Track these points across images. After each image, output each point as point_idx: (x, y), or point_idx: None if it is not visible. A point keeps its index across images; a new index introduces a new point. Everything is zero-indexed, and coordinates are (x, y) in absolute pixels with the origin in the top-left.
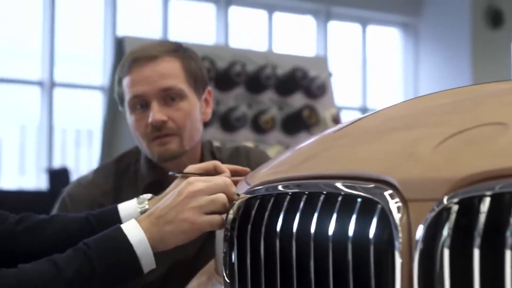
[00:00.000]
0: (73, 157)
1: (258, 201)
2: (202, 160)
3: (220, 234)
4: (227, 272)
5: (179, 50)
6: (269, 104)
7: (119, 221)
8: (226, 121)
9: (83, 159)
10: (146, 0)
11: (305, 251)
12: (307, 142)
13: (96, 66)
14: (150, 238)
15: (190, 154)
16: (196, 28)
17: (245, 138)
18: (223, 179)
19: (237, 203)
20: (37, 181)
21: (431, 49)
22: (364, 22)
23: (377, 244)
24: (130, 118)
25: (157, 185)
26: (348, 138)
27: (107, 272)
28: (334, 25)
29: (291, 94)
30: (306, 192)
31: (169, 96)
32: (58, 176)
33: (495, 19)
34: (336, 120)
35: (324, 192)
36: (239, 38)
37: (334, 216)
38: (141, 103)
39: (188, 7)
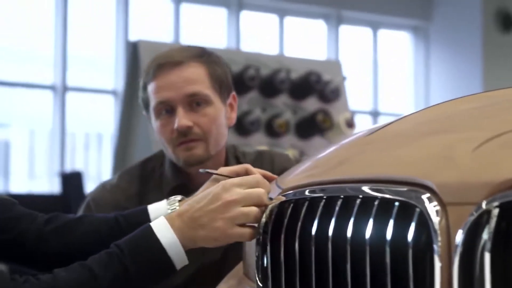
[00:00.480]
0: (84, 161)
1: (291, 205)
2: (226, 164)
3: None
4: (260, 276)
5: (203, 55)
6: (283, 108)
7: (148, 222)
8: (240, 125)
9: (94, 163)
10: (158, 4)
11: (341, 255)
12: (336, 146)
13: (108, 70)
14: (181, 238)
15: (215, 159)
16: (208, 32)
17: (259, 142)
18: (257, 192)
19: (270, 207)
20: (50, 185)
21: (442, 53)
22: (375, 26)
23: (414, 248)
24: (155, 123)
25: (182, 189)
26: (380, 142)
27: (141, 276)
28: (345, 29)
29: (305, 98)
30: (342, 196)
31: (195, 102)
32: (71, 180)
33: (505, 22)
34: (350, 124)
35: (360, 196)
36: (250, 42)
37: (371, 220)
38: (167, 109)
39: (200, 11)
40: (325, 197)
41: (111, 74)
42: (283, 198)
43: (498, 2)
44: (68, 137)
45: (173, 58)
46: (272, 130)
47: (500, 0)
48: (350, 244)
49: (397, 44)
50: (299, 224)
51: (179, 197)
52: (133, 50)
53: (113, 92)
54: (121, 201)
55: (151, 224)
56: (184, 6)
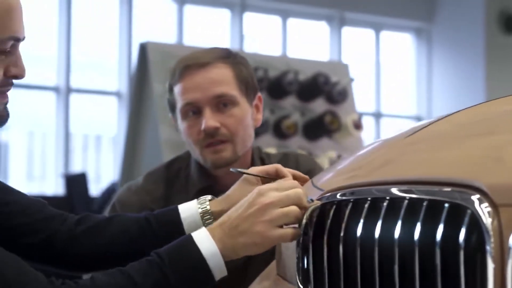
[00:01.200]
0: (87, 163)
1: (334, 206)
2: (252, 165)
3: None
4: (300, 278)
5: (229, 57)
6: (291, 110)
7: (179, 222)
8: None
9: (96, 165)
10: (161, 6)
11: (388, 258)
12: (374, 146)
13: (111, 72)
14: (222, 248)
15: (241, 160)
16: (211, 34)
17: (267, 144)
18: (294, 192)
19: (311, 208)
20: (54, 187)
21: (444, 54)
22: (377, 28)
23: (465, 249)
24: (182, 125)
25: (208, 191)
26: (424, 144)
27: (181, 285)
28: (347, 31)
29: (313, 99)
30: (387, 198)
31: (221, 103)
32: (76, 182)
33: (508, 24)
34: (357, 125)
35: (407, 198)
36: (254, 43)
37: (419, 222)
38: (193, 110)
39: (203, 13)
40: (369, 198)
41: (114, 75)
42: (327, 199)
43: (500, 3)
44: (72, 139)
45: (199, 59)
46: (280, 132)
47: (503, 2)
48: (398, 246)
49: (400, 45)
50: (343, 226)
51: (209, 197)
52: (142, 52)
53: (117, 94)
54: (147, 203)
55: (192, 234)
56: (187, 8)
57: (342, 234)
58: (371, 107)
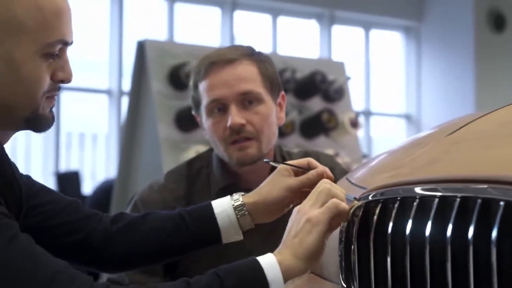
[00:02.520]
0: (79, 161)
1: (380, 204)
2: None
3: None
4: (343, 276)
5: (254, 54)
6: (289, 108)
7: (213, 217)
8: None
9: (89, 163)
10: (152, 4)
11: (439, 256)
12: (406, 145)
13: (102, 70)
14: (282, 259)
15: (265, 158)
16: (202, 32)
17: None
18: (326, 186)
19: (355, 206)
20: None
21: (434, 53)
22: (367, 26)
23: None
24: (207, 122)
25: (231, 189)
26: (467, 142)
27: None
28: (337, 29)
29: (310, 97)
30: (438, 196)
31: (247, 100)
32: (68, 180)
33: (497, 22)
34: (354, 123)
35: (458, 196)
36: (244, 41)
37: (473, 221)
38: (219, 107)
39: (194, 11)
40: (418, 197)
41: (105, 73)
42: (372, 197)
43: (490, 2)
44: (62, 136)
45: (225, 56)
46: (278, 130)
47: (492, 1)
48: (450, 244)
49: (389, 44)
50: (391, 224)
51: (241, 193)
52: (139, 50)
53: (108, 92)
54: (170, 202)
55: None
56: (178, 6)
57: (389, 232)
58: (360, 106)
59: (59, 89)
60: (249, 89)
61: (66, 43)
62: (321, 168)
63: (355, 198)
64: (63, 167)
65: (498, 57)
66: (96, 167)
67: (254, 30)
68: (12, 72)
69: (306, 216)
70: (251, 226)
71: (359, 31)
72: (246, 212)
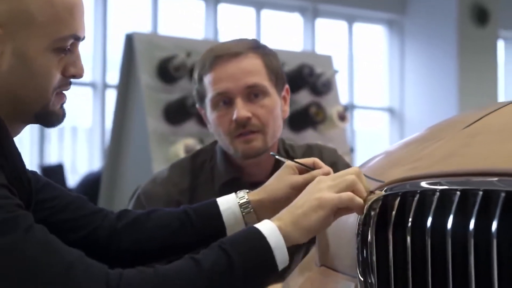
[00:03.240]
0: (63, 154)
1: (399, 198)
2: None
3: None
4: (361, 269)
5: (259, 47)
6: None
7: (219, 214)
8: None
9: (73, 156)
10: None
11: (461, 249)
12: (419, 138)
13: (86, 63)
14: (281, 225)
15: (269, 151)
16: (186, 24)
17: None
18: (352, 168)
19: (373, 199)
20: None
21: (417, 46)
22: (350, 20)
23: None
24: (212, 115)
25: (235, 183)
26: (486, 136)
27: (244, 263)
28: (321, 23)
29: (298, 91)
30: (459, 189)
31: (253, 93)
32: (53, 173)
33: (480, 16)
34: (342, 117)
35: (481, 190)
36: (228, 34)
37: (497, 214)
38: (225, 100)
39: (178, 4)
40: (438, 190)
41: (89, 66)
42: (391, 190)
43: None
44: (46, 129)
45: (230, 49)
46: None
47: None
48: (474, 238)
49: (373, 37)
50: (411, 216)
51: (246, 190)
52: (128, 43)
53: (92, 85)
54: (174, 195)
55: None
56: None
57: (410, 225)
58: (344, 99)
59: (69, 84)
60: (255, 83)
61: (78, 38)
62: (326, 169)
63: (371, 192)
64: (49, 160)
65: (481, 51)
66: (80, 160)
67: (237, 23)
68: (24, 67)
69: (319, 194)
70: (256, 223)
71: (342, 24)
72: (252, 210)
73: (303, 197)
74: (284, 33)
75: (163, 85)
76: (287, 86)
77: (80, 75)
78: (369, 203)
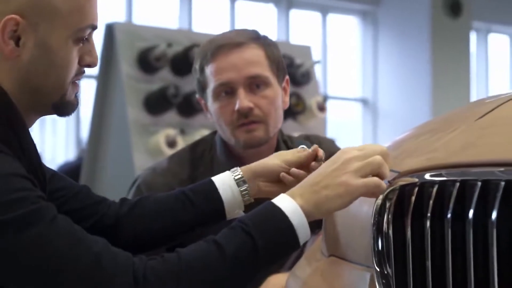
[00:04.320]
0: (40, 143)
1: (417, 188)
2: (277, 148)
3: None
4: (376, 259)
5: (260, 38)
6: None
7: (215, 189)
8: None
9: (50, 145)
10: None
11: (481, 239)
12: (429, 128)
13: None
14: (303, 204)
15: (269, 142)
16: (160, 14)
17: None
18: (380, 147)
19: (389, 189)
20: None
21: (390, 37)
22: (324, 11)
23: None
24: (213, 105)
25: None
26: (500, 128)
27: (268, 245)
28: (295, 13)
29: None
30: (480, 180)
31: (255, 84)
32: None
33: (454, 7)
34: (321, 107)
35: (503, 180)
36: (202, 25)
37: None
38: (227, 90)
39: None
40: (459, 180)
41: None
42: (410, 180)
43: None
44: None
45: (232, 39)
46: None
47: None
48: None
49: (346, 28)
50: (430, 206)
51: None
52: (108, 33)
53: None
54: (174, 185)
55: (272, 200)
56: None
57: (429, 214)
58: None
59: (83, 73)
60: (257, 73)
61: (95, 28)
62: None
63: (389, 182)
64: None
65: (455, 42)
66: (57, 152)
67: (212, 14)
68: (45, 57)
69: (345, 178)
70: (251, 200)
71: (316, 15)
72: (244, 179)
73: (328, 173)
74: (258, 24)
75: (144, 75)
76: (287, 77)
77: (95, 64)
78: (385, 193)
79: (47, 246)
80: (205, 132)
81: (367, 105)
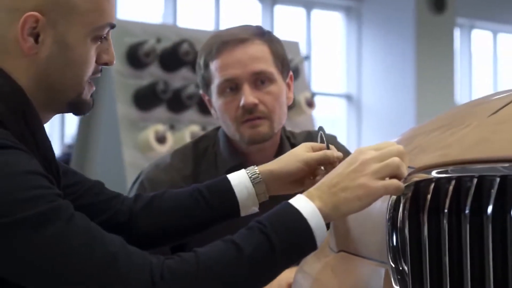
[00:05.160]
0: None
1: (433, 183)
2: (280, 144)
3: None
4: (391, 255)
5: (264, 34)
6: None
7: (231, 190)
8: (178, 100)
9: None
10: None
11: (499, 235)
12: (440, 124)
13: None
14: (322, 206)
15: (273, 138)
16: (144, 8)
17: (191, 119)
18: (397, 147)
19: (404, 185)
20: None
21: (374, 33)
22: (308, 6)
23: None
24: (218, 101)
25: (239, 169)
26: None
27: (285, 247)
28: (279, 9)
29: None
30: (499, 175)
31: (260, 80)
32: None
33: (438, 3)
34: (310, 103)
35: None
36: (186, 21)
37: None
38: (231, 86)
39: None
40: (477, 175)
41: None
42: (425, 176)
43: None
44: None
45: (237, 35)
46: None
47: None
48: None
49: (331, 24)
50: (447, 202)
51: (255, 166)
52: None
53: None
54: (178, 181)
55: (289, 200)
56: None
57: (446, 210)
58: None
59: (100, 71)
60: (262, 69)
61: (113, 26)
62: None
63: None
64: None
65: (439, 37)
66: None
67: (196, 9)
68: (63, 55)
69: (363, 180)
70: (266, 198)
71: (301, 11)
72: (261, 179)
73: (346, 175)
74: (243, 20)
75: (133, 71)
76: (291, 73)
77: (112, 62)
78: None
79: (63, 245)
80: (194, 128)
81: (351, 101)
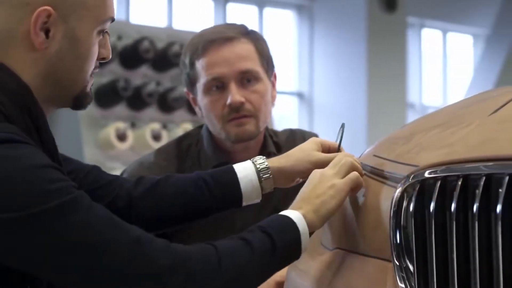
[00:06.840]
0: None
1: (439, 182)
2: (264, 142)
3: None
4: (395, 253)
5: (250, 33)
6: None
7: (236, 183)
8: (165, 100)
9: None
10: None
11: (510, 234)
12: (438, 123)
13: None
14: (305, 213)
15: (258, 136)
16: None
17: (181, 117)
18: (343, 153)
19: (407, 183)
20: None
21: (326, 31)
22: (260, 4)
23: None
24: (203, 99)
25: None
26: None
27: (282, 245)
28: (232, 7)
29: None
30: (507, 173)
31: (246, 78)
32: None
33: (389, 2)
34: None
35: None
36: (138, 17)
37: None
38: (218, 85)
39: None
40: (484, 174)
41: None
42: (429, 174)
43: None
44: None
45: (223, 34)
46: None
47: None
48: None
49: (282, 22)
50: (454, 201)
51: (263, 157)
52: None
53: None
54: None
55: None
56: None
57: (453, 209)
58: None
59: (99, 66)
60: (249, 68)
61: (113, 20)
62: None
63: (407, 176)
64: None
65: (391, 37)
66: None
67: (148, 7)
68: (73, 49)
69: (331, 183)
70: (271, 190)
71: (253, 9)
72: (271, 176)
73: (314, 190)
74: (195, 18)
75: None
76: (275, 71)
77: (108, 57)
78: (404, 186)
79: (89, 231)
80: (155, 126)
81: (303, 99)
